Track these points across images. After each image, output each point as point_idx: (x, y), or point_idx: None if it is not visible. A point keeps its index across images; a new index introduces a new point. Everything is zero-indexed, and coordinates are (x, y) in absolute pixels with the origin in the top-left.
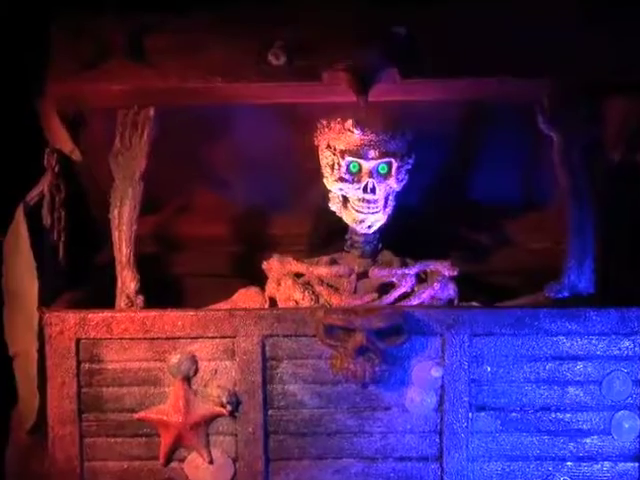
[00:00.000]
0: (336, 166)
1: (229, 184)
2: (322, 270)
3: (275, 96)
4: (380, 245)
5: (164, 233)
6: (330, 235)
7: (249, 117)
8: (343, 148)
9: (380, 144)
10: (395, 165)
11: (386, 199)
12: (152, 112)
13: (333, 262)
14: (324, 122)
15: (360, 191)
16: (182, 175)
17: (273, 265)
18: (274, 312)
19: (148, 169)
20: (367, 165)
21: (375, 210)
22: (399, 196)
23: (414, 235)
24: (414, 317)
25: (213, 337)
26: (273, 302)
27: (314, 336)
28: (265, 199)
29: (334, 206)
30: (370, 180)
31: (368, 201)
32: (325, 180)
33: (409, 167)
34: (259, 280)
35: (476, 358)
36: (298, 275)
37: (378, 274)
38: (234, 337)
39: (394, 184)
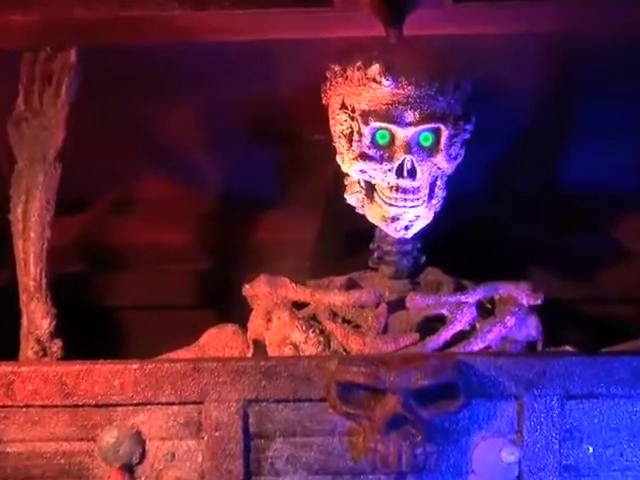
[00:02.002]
0: (355, 136)
1: (192, 169)
2: (335, 297)
3: (262, 31)
4: (423, 258)
5: (95, 243)
6: (347, 243)
7: (221, 64)
8: (366, 108)
9: (422, 102)
10: (445, 134)
11: (432, 186)
12: (73, 57)
13: (352, 285)
14: (336, 69)
15: (392, 174)
16: (121, 155)
17: (260, 290)
18: (261, 364)
19: (68, 145)
20: (403, 134)
21: (415, 203)
22: (452, 182)
23: (475, 243)
24: (475, 370)
25: (169, 403)
26: (260, 348)
27: (323, 400)
28: (246, 190)
29: (353, 198)
30: (407, 157)
31: (405, 190)
32: (339, 158)
33: (466, 137)
34: (238, 313)
35: (571, 433)
36: (298, 305)
37: (420, 303)
38: (201, 403)
39: (444, 163)
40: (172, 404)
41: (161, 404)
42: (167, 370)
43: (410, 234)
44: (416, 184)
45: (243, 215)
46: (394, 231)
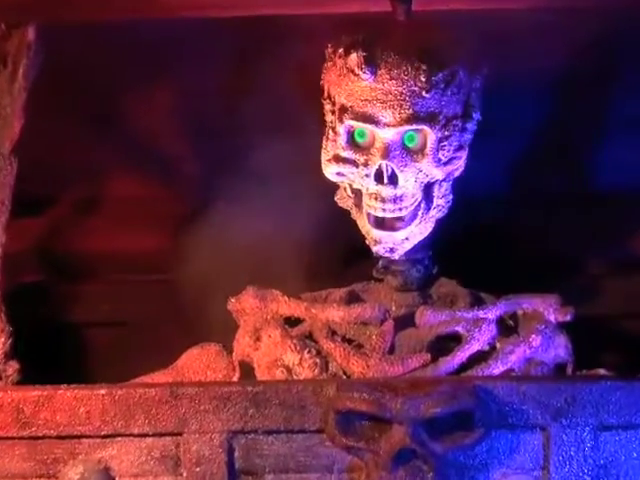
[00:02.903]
0: (331, 134)
1: (169, 165)
2: (334, 313)
3: (253, 6)
4: (435, 268)
5: (57, 249)
6: (347, 250)
7: (205, 45)
8: (344, 102)
9: (404, 100)
10: (432, 137)
11: (428, 193)
12: (31, 35)
13: (353, 298)
14: (331, 49)
15: (371, 180)
16: (86, 148)
17: (247, 304)
18: (249, 389)
19: (25, 137)
20: (382, 135)
21: (397, 214)
22: (468, 183)
23: (495, 251)
24: (495, 397)
25: (142, 435)
26: (247, 371)
27: (319, 432)
28: (231, 189)
29: (345, 204)
30: (384, 163)
31: (384, 199)
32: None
33: (466, 138)
34: (222, 331)
35: (605, 469)
36: (292, 321)
37: (432, 319)
38: (179, 434)
39: (431, 169)
40: (146, 436)
41: (133, 436)
42: (140, 396)
43: (397, 255)
44: (398, 192)
45: (226, 218)
46: (381, 251)
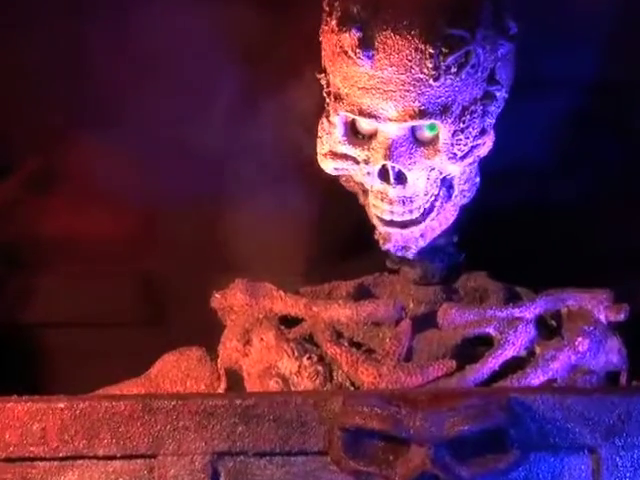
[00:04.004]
0: (325, 124)
1: (140, 130)
2: (340, 311)
3: None
4: (462, 257)
5: (2, 237)
6: (356, 235)
7: None
8: (339, 87)
9: (409, 90)
10: (445, 131)
11: (446, 182)
12: None
13: (363, 294)
14: (326, 6)
15: (375, 178)
16: (34, 108)
17: (235, 300)
18: (237, 402)
19: None
20: (385, 130)
21: (407, 217)
22: (503, 153)
23: (534, 236)
24: (534, 412)
25: (108, 457)
26: (235, 380)
27: (322, 453)
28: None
29: (350, 188)
30: (388, 164)
31: (391, 200)
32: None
33: (488, 123)
34: (206, 333)
35: None
36: (289, 321)
37: (457, 319)
38: (153, 457)
39: (446, 166)
40: (113, 458)
41: (98, 458)
42: (106, 411)
43: (410, 253)
44: (407, 193)
45: (213, 197)
46: (392, 249)
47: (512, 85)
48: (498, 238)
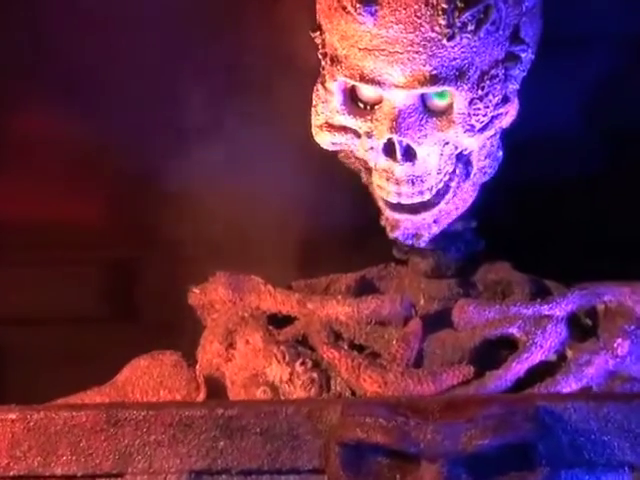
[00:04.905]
0: (321, 91)
1: (107, 100)
2: (339, 308)
3: None
4: (481, 245)
5: None
6: (358, 219)
7: None
8: (336, 48)
9: (419, 52)
10: (460, 99)
11: (462, 158)
12: None
13: (366, 288)
14: None
15: (379, 154)
16: None
17: (217, 296)
18: (219, 413)
19: None
20: (390, 98)
21: (416, 199)
22: (529, 122)
23: (563, 221)
24: (566, 423)
25: (68, 476)
26: (216, 389)
27: (318, 471)
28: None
29: (351, 165)
30: (394, 137)
31: (398, 180)
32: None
33: (516, 82)
34: (184, 333)
35: None
36: (279, 320)
37: (476, 317)
38: (120, 475)
39: (462, 138)
40: (73, 478)
41: (55, 477)
42: (65, 423)
43: (422, 243)
44: (417, 171)
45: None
46: (401, 237)
47: (539, 44)
48: (524, 222)
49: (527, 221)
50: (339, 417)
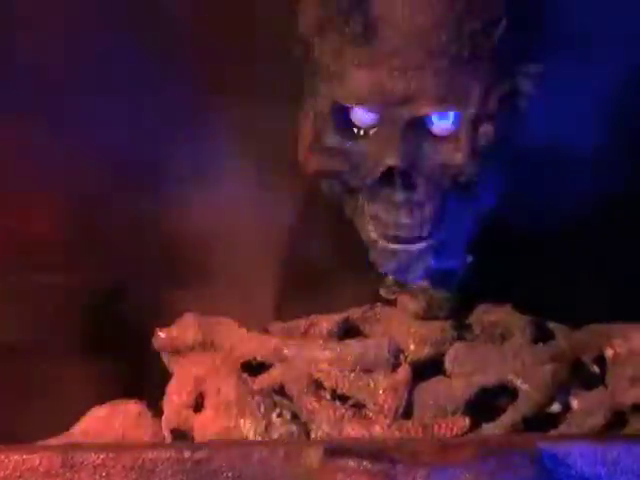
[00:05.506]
0: (310, 112)
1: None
2: (320, 354)
3: None
4: (477, 283)
5: None
6: (341, 254)
7: None
8: (326, 60)
9: (421, 67)
10: (467, 121)
11: (469, 192)
12: None
13: (350, 331)
14: None
15: (376, 182)
16: None
17: (186, 339)
18: (186, 455)
19: None
20: (391, 120)
21: (415, 232)
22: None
23: (569, 252)
24: (571, 467)
25: None
26: (181, 439)
27: None
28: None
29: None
30: (396, 163)
31: (400, 204)
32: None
33: (516, 114)
34: (147, 378)
35: None
36: (254, 367)
37: (471, 363)
38: None
39: (467, 164)
40: None
41: None
42: (15, 467)
43: (415, 277)
44: (417, 199)
45: (158, 190)
46: (392, 271)
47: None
48: (525, 259)
49: (529, 258)
50: (319, 460)
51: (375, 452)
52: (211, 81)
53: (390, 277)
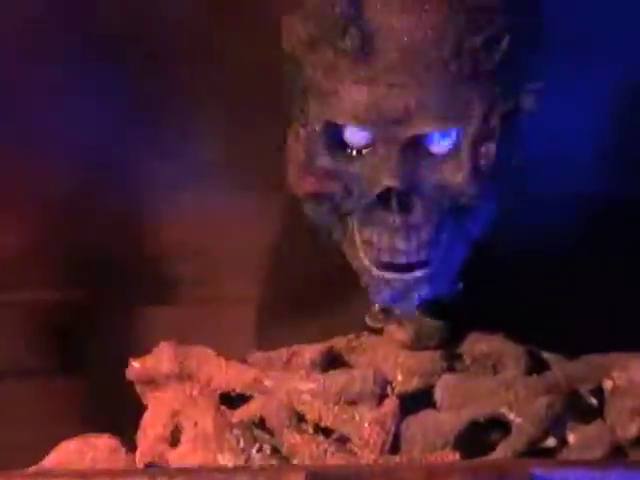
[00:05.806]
0: (301, 133)
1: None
2: (302, 385)
3: None
4: (467, 311)
5: None
6: (323, 281)
7: None
8: (319, 82)
9: (425, 83)
10: (469, 138)
11: (465, 217)
12: None
13: (333, 362)
14: None
15: (371, 205)
16: None
17: (161, 370)
18: None
19: None
20: (388, 140)
21: (411, 258)
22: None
23: (571, 277)
24: None
25: None
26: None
27: None
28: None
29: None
30: (394, 186)
31: (397, 228)
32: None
33: (514, 134)
34: (121, 410)
35: None
36: (233, 399)
37: (462, 395)
38: None
39: (466, 186)
40: None
41: None
42: None
43: (409, 305)
44: (414, 222)
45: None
46: (385, 300)
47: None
48: (518, 285)
49: (522, 284)
50: None
51: (362, 477)
52: (181, 81)
53: (377, 305)
